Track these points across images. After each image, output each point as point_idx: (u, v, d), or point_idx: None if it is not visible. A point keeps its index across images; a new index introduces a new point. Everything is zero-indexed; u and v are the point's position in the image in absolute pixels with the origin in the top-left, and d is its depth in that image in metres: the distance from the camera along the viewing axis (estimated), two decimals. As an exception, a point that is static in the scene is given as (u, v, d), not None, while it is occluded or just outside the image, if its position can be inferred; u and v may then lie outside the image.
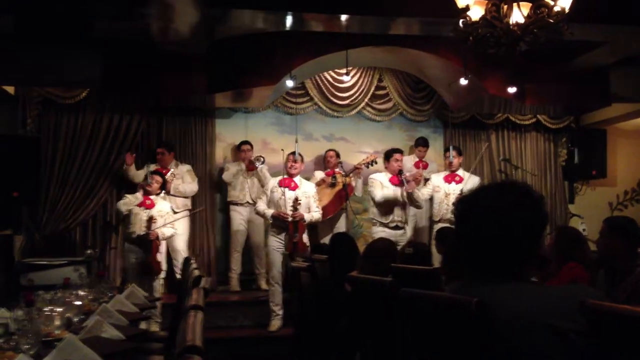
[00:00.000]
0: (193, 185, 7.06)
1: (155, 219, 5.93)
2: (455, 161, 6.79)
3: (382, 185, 6.25)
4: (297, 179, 6.23)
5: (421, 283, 2.93)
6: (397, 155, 6.34)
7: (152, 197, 6.09)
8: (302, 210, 6.02)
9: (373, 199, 6.31)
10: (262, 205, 6.14)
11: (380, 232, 6.07)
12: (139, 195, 6.08)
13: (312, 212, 6.15)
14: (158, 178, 6.19)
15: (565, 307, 1.45)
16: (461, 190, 6.38)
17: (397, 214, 6.25)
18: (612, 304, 1.40)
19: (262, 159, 6.99)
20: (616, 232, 3.31)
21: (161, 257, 6.21)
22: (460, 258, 1.70)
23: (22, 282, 5.86)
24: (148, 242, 5.87)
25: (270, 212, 6.03)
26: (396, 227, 6.23)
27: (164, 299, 5.98)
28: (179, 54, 5.98)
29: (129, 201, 6.01)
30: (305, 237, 6.05)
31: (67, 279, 3.86)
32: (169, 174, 6.86)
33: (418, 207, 6.51)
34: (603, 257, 3.45)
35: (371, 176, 6.44)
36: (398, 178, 6.21)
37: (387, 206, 6.23)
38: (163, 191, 6.44)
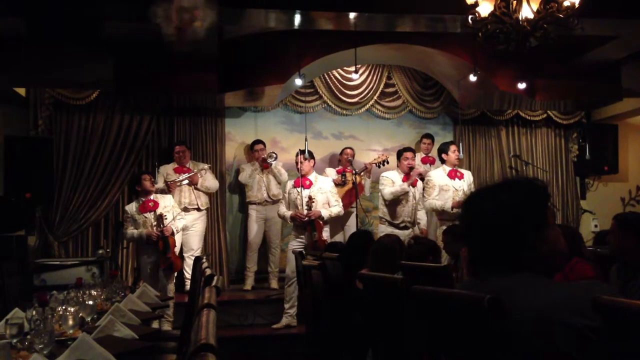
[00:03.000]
0: (216, 181, 7.14)
1: (165, 216, 5.92)
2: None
3: (394, 184, 6.22)
4: (312, 176, 6.23)
5: (432, 280, 2.92)
6: (406, 154, 6.32)
7: (151, 197, 6.00)
8: (319, 206, 6.02)
9: (383, 197, 6.29)
10: (282, 208, 6.21)
11: (389, 231, 6.00)
12: (150, 216, 5.92)
13: (331, 207, 6.13)
14: (149, 177, 6.14)
15: (578, 304, 1.44)
16: (470, 187, 6.35)
17: (406, 214, 6.25)
18: (626, 299, 1.39)
19: (274, 155, 7.01)
20: (626, 229, 3.28)
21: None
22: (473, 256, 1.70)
23: (36, 282, 5.91)
24: (164, 240, 5.85)
25: (289, 214, 6.07)
26: (405, 227, 6.23)
27: (175, 298, 5.99)
28: (190, 54, 6.00)
29: (142, 230, 5.87)
30: (325, 235, 6.06)
31: (79, 279, 3.88)
32: (195, 169, 6.93)
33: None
34: (615, 254, 3.43)
35: (383, 174, 6.38)
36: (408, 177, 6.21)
37: (397, 205, 6.21)
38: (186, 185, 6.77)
